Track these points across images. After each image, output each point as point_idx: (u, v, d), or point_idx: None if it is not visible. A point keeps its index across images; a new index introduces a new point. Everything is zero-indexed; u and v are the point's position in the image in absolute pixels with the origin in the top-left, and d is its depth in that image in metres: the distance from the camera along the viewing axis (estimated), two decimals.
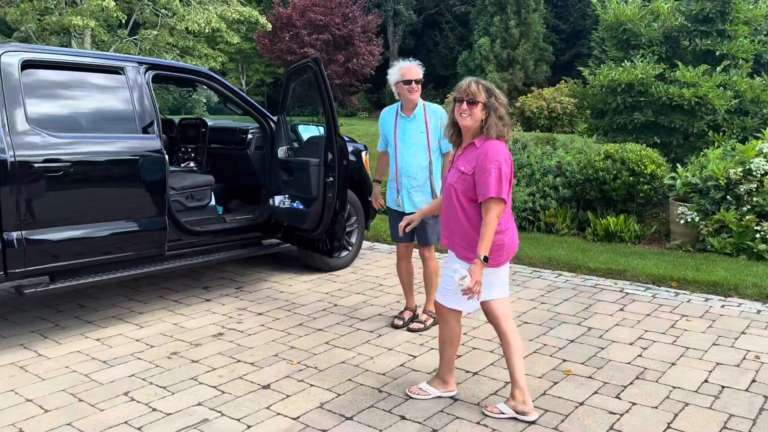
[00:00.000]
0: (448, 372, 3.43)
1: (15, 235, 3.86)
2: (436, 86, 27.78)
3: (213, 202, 5.48)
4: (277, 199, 5.23)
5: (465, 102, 3.09)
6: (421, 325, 4.42)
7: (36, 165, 3.91)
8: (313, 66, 4.81)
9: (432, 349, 4.10)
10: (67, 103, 4.24)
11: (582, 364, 3.88)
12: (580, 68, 10.22)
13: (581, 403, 3.36)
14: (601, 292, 5.39)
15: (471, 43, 26.14)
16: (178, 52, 14.78)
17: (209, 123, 6.10)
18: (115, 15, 12.75)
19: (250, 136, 5.63)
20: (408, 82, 4.22)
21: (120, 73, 4.52)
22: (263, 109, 5.54)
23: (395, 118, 4.35)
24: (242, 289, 5.45)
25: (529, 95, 20.48)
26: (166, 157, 4.59)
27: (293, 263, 6.21)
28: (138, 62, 4.68)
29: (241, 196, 6.07)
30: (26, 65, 4.04)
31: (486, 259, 2.98)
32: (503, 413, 3.19)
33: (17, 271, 3.92)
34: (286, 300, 5.14)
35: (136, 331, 4.42)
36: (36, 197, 3.94)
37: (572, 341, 4.26)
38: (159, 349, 4.09)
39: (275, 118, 5.51)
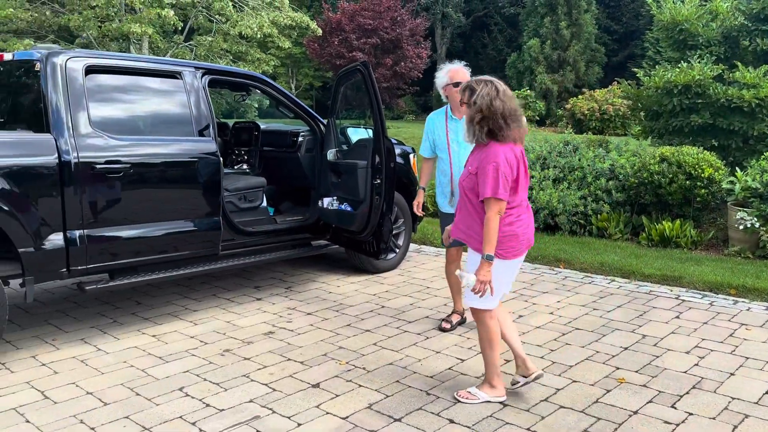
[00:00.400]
0: (496, 376, 3.41)
1: (77, 233, 4.02)
2: None
3: (264, 204, 5.58)
4: (326, 201, 5.29)
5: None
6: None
7: (98, 166, 4.06)
8: (362, 69, 4.86)
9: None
10: (128, 107, 4.39)
11: (636, 372, 3.80)
12: (634, 69, 9.99)
13: (635, 412, 3.29)
14: (656, 299, 5.26)
15: (520, 45, 25.87)
16: (231, 57, 15.11)
17: (262, 126, 6.21)
18: (171, 22, 13.14)
19: (300, 138, 5.71)
20: (458, 85, 4.22)
21: (177, 78, 4.66)
22: (313, 113, 5.62)
23: (445, 121, 4.36)
24: (292, 288, 5.53)
25: (580, 97, 20.12)
26: (221, 159, 4.70)
27: (342, 264, 6.26)
28: (195, 67, 4.81)
29: (292, 198, 6.17)
30: (89, 70, 4.21)
31: (490, 257, 3.10)
32: (519, 383, 3.44)
33: (79, 268, 4.08)
34: (335, 301, 5.19)
35: (191, 328, 4.53)
36: (97, 197, 4.09)
37: (626, 349, 4.17)
38: (212, 346, 4.19)
39: (325, 121, 5.58)
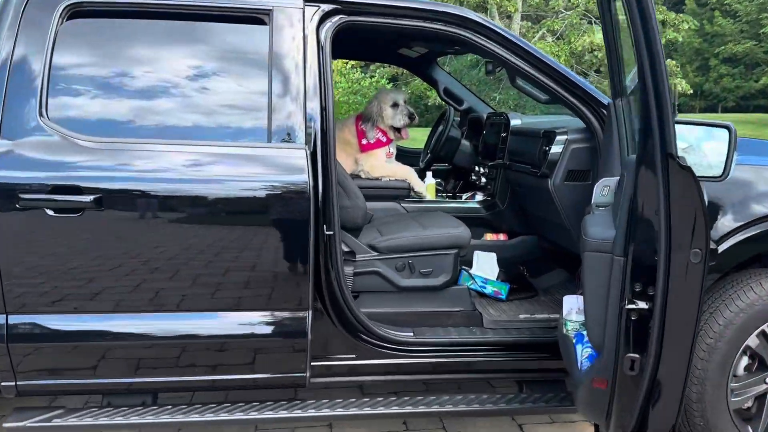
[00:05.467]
0: None
1: None
2: None
3: (467, 280, 2.73)
4: (568, 302, 2.13)
5: None
6: None
7: (27, 196, 2.06)
8: None
9: None
10: (140, 82, 2.27)
11: None
12: None
13: None
14: None
15: None
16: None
17: (512, 122, 3.20)
18: None
19: (556, 148, 2.58)
20: None
21: (262, 23, 2.31)
22: (595, 93, 2.45)
23: None
24: None
25: None
26: (312, 183, 2.17)
27: None
28: (304, 0, 2.36)
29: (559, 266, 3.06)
30: (75, 13, 2.22)
31: None
32: None
33: None
34: None
35: None
36: (39, 252, 2.11)
37: None
38: None
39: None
